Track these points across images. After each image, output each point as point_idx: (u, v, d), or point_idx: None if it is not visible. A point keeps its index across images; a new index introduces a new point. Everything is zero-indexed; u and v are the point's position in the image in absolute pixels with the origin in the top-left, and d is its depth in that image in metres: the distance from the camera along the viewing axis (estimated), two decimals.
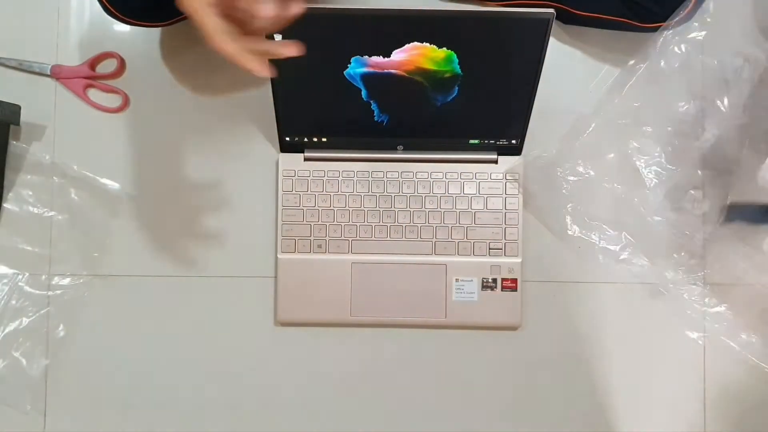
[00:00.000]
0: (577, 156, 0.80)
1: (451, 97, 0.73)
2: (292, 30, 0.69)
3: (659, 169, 0.80)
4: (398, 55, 0.69)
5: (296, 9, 0.53)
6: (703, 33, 0.77)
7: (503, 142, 0.78)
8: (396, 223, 0.79)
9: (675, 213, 0.81)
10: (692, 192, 0.82)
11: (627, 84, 0.78)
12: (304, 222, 0.80)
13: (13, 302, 0.82)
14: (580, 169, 0.79)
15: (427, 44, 0.68)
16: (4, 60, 0.83)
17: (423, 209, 0.79)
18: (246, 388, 0.82)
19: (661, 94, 0.79)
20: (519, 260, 0.79)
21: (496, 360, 0.82)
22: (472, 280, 0.79)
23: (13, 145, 0.83)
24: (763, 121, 0.78)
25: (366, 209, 0.80)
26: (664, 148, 0.79)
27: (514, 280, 0.79)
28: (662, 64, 0.77)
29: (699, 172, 0.82)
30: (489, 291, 0.79)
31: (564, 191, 0.79)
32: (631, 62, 0.78)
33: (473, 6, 0.82)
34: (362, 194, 0.80)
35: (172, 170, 0.83)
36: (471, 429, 0.82)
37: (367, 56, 0.69)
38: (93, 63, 0.83)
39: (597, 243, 0.80)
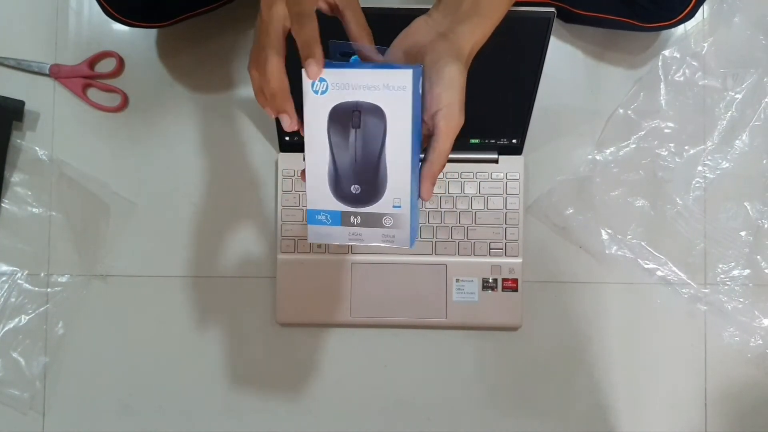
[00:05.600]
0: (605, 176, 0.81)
1: None
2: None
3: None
4: None
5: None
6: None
7: (504, 141, 0.78)
8: None
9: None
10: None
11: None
12: (304, 222, 0.79)
13: (12, 300, 0.82)
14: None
15: None
16: (3, 59, 0.83)
17: (423, 209, 0.79)
18: (246, 388, 0.82)
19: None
20: (519, 260, 0.79)
21: (497, 360, 0.82)
22: (472, 281, 0.79)
23: (13, 143, 0.83)
24: None
25: None
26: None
27: (515, 281, 0.79)
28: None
29: None
30: (489, 291, 0.79)
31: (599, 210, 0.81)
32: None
33: None
34: None
35: (172, 170, 0.83)
36: (471, 429, 0.82)
37: None
38: (92, 62, 0.83)
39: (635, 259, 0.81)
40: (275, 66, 0.46)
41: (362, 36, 0.50)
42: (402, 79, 0.46)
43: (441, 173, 0.50)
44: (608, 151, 0.82)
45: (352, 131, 0.48)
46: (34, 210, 0.83)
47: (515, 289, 0.79)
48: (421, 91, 0.48)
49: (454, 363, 0.82)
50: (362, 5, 0.53)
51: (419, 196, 0.51)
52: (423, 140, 0.51)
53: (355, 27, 0.50)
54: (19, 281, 0.83)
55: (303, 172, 0.51)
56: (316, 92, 0.48)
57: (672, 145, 0.81)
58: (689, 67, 0.81)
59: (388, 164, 0.48)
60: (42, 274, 0.83)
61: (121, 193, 0.83)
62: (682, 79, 0.81)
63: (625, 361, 0.81)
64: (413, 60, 0.49)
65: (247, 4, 0.80)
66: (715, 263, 0.81)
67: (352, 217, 0.51)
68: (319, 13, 0.50)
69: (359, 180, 0.50)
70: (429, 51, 0.48)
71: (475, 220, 0.79)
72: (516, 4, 0.75)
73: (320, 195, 0.51)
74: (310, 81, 0.47)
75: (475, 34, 0.49)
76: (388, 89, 0.46)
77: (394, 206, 0.49)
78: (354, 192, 0.50)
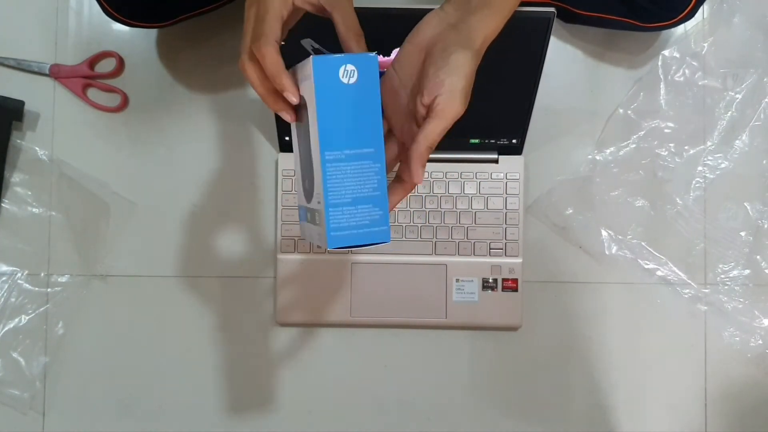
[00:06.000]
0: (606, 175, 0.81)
1: None
2: (293, 29, 0.69)
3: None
4: None
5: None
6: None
7: (504, 141, 0.78)
8: (396, 223, 0.79)
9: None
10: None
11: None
12: None
13: (12, 300, 0.82)
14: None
15: None
16: (3, 59, 0.83)
17: (423, 209, 0.79)
18: (246, 388, 0.82)
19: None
20: (519, 260, 0.79)
21: (497, 360, 0.82)
22: (472, 281, 0.79)
23: (13, 143, 0.83)
24: None
25: None
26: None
27: (515, 281, 0.79)
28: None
29: None
30: (489, 291, 0.79)
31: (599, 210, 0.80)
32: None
33: None
34: None
35: (172, 170, 0.83)
36: (471, 429, 0.82)
37: None
38: (92, 62, 0.83)
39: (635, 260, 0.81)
40: (274, 57, 0.46)
41: (350, 38, 0.49)
42: (307, 68, 0.46)
43: (441, 173, 0.50)
44: (608, 151, 0.82)
45: (301, 126, 0.49)
46: (34, 210, 0.83)
47: (515, 289, 0.79)
48: (352, 80, 0.46)
49: (454, 363, 0.82)
50: (364, 5, 0.53)
51: (408, 178, 0.49)
52: (417, 124, 0.49)
53: (344, 29, 0.49)
54: (19, 281, 0.83)
55: None
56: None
57: (672, 145, 0.81)
58: (689, 67, 0.81)
59: (313, 155, 0.47)
60: (42, 274, 0.83)
61: (121, 193, 0.83)
62: (682, 79, 0.81)
63: (625, 361, 0.81)
64: (426, 53, 0.49)
65: None
66: (715, 263, 0.81)
67: (308, 214, 0.50)
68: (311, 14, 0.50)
69: (308, 175, 0.49)
70: (438, 41, 0.49)
71: (475, 220, 0.79)
72: None
73: (299, 192, 0.51)
74: None
75: (485, 26, 0.49)
76: (307, 80, 0.46)
77: (318, 201, 0.47)
78: (307, 188, 0.49)
